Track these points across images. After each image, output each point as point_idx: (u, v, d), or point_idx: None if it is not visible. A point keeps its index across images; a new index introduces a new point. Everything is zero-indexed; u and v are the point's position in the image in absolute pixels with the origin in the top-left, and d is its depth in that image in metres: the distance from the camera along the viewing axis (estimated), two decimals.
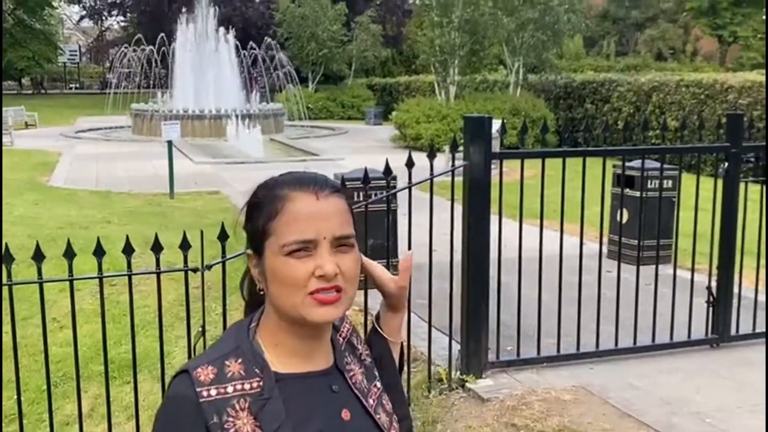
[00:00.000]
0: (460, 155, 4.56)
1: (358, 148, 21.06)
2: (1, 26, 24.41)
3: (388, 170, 4.10)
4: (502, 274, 4.69)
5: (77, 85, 64.63)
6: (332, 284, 1.05)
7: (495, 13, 20.47)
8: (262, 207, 1.10)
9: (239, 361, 1.07)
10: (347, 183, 5.77)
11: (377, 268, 1.28)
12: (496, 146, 4.66)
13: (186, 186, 13.23)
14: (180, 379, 1.05)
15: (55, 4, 55.16)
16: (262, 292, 1.12)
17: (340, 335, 1.22)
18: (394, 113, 23.02)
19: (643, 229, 5.85)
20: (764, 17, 31.55)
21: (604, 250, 6.83)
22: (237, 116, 23.32)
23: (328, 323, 1.12)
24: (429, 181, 4.29)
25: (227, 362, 1.06)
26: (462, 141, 4.53)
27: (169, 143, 12.12)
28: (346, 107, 34.33)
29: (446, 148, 16.76)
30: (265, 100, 29.09)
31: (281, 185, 1.11)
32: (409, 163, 4.09)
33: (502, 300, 4.73)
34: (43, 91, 52.94)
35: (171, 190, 11.90)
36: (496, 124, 17.66)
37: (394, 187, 4.60)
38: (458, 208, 4.51)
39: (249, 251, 1.13)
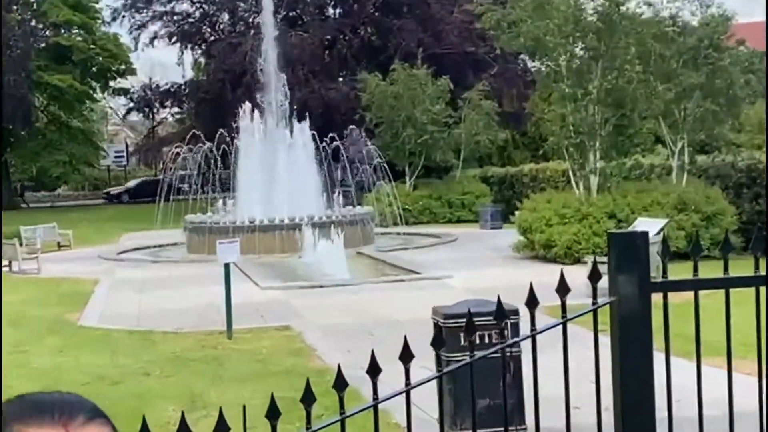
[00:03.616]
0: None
1: (470, 260, 20.91)
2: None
3: (500, 313, 3.81)
4: None
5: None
6: None
7: (647, 79, 20.27)
8: None
9: None
10: (447, 322, 5.51)
11: None
12: (654, 252, 4.33)
13: (249, 319, 13.32)
14: None
15: (96, 96, 58.93)
16: None
17: None
18: (517, 213, 22.81)
19: None
20: None
21: None
22: (315, 225, 23.66)
23: None
24: (562, 325, 3.97)
25: None
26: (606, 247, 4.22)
27: (227, 267, 12.24)
28: (455, 207, 34.42)
29: (588, 257, 16.30)
30: (350, 202, 29.54)
31: (9, 420, 0.92)
32: (531, 302, 3.79)
33: None
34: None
35: (228, 328, 11.95)
36: (654, 225, 16.99)
37: (514, 327, 4.33)
38: (604, 339, 4.15)
39: None
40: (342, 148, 30.45)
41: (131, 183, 62.99)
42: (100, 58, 53.25)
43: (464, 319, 5.39)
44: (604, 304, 4.09)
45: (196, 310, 14.83)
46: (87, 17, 52.15)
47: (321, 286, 17.45)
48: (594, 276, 4.09)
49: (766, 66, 20.18)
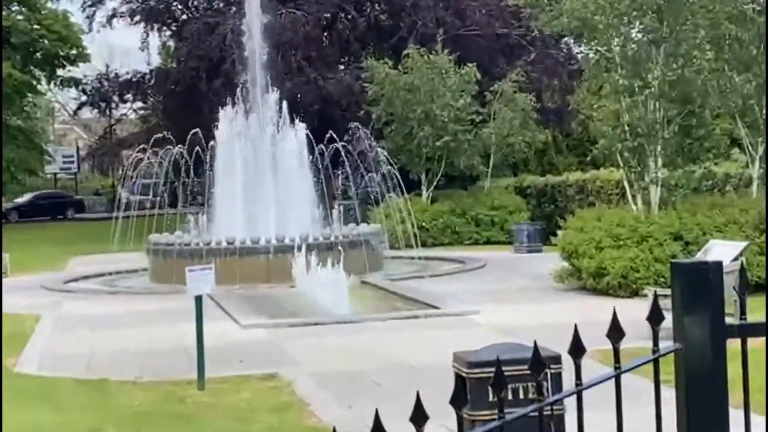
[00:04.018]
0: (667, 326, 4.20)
1: (502, 292, 20.85)
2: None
3: (538, 362, 3.74)
4: None
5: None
6: None
7: (720, 69, 20.23)
8: None
9: None
10: (472, 372, 5.47)
11: None
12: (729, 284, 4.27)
13: (226, 366, 13.29)
14: None
15: (41, 87, 59.04)
16: None
17: None
18: (560, 233, 22.75)
19: None
20: None
21: None
22: (309, 247, 23.64)
23: None
24: (614, 378, 3.92)
25: None
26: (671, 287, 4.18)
27: (199, 300, 12.22)
28: (483, 225, 34.38)
29: (648, 289, 16.21)
30: (353, 219, 29.51)
31: None
32: (576, 350, 3.74)
33: None
34: None
35: (200, 376, 11.91)
36: (730, 250, 16.95)
37: (555, 378, 4.28)
38: (667, 393, 4.11)
39: None
40: (343, 151, 30.42)
41: (23, 198, 62.44)
42: (46, 42, 53.48)
43: (493, 369, 5.35)
44: (668, 352, 4.03)
45: (160, 353, 14.76)
46: None
47: (316, 324, 17.38)
48: (655, 316, 4.03)
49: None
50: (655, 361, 4.03)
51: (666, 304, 4.04)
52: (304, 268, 22.49)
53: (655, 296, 4.10)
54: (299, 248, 23.76)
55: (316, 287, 21.08)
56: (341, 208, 29.18)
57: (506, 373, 3.93)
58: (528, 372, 5.08)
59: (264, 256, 24.67)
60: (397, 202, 30.49)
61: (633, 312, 12.07)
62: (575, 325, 3.89)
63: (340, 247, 23.62)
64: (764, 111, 21.33)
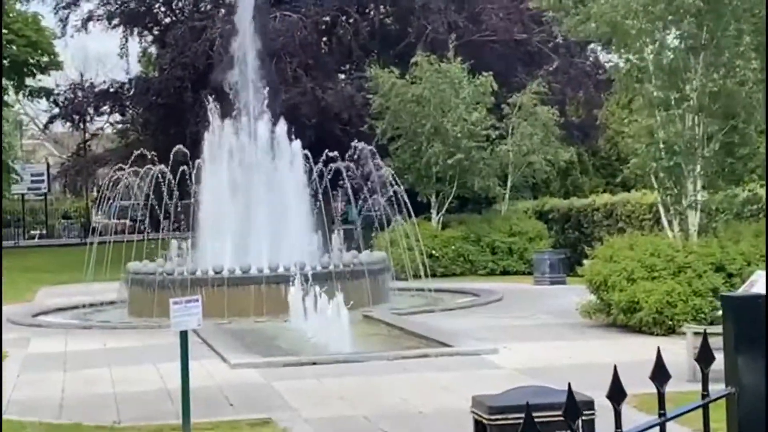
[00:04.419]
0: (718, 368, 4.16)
1: (522, 328, 20.87)
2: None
3: (572, 408, 3.72)
4: None
5: (42, 231, 67.97)
6: None
7: (766, 79, 20.18)
8: None
9: None
10: (494, 418, 5.44)
11: None
12: None
13: (214, 409, 13.26)
14: None
15: (8, 98, 59.11)
16: None
17: None
18: (586, 263, 22.72)
19: None
20: None
21: None
22: (306, 277, 23.62)
23: None
24: (659, 427, 3.89)
25: None
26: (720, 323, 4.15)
27: (184, 336, 12.16)
28: (499, 253, 34.42)
29: (687, 327, 16.15)
30: (354, 245, 29.50)
31: None
32: (616, 394, 3.71)
33: None
34: None
35: (185, 422, 11.81)
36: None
37: (587, 425, 4.24)
38: None
39: None
40: (344, 170, 30.43)
41: None
42: (14, 47, 53.52)
43: (519, 415, 5.31)
44: (720, 397, 4.00)
45: (140, 395, 14.72)
46: None
47: (314, 364, 17.32)
48: (704, 357, 4.00)
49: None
50: (705, 407, 3.98)
51: (712, 342, 4.00)
52: (300, 300, 22.43)
53: (705, 335, 4.06)
54: (295, 278, 23.76)
55: (313, 322, 21.07)
56: (342, 233, 29.15)
57: (536, 420, 3.90)
58: (558, 419, 5.05)
59: (256, 287, 24.61)
60: (403, 227, 30.44)
61: (671, 351, 12.03)
62: (615, 367, 3.86)
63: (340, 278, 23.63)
64: None
